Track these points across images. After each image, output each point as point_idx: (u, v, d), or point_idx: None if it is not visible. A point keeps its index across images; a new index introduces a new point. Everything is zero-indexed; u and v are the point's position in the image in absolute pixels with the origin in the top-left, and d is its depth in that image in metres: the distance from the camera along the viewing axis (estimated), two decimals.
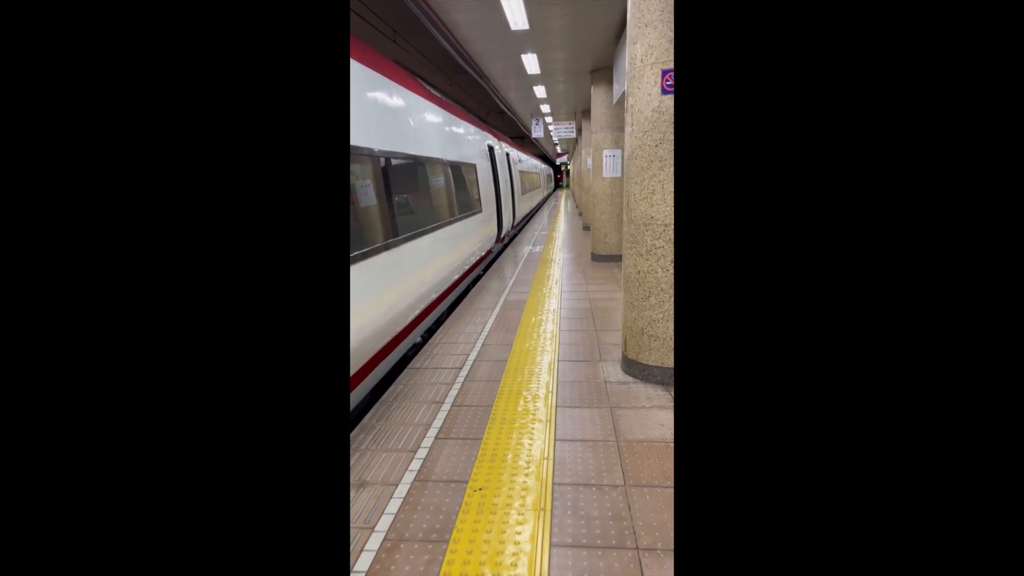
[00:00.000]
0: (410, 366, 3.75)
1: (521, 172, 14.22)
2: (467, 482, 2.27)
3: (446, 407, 3.04)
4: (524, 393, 3.18)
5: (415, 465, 2.43)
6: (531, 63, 6.93)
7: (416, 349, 5.03)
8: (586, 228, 12.18)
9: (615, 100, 6.93)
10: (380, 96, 3.81)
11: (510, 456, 2.46)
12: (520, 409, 2.96)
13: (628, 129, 3.23)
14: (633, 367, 3.36)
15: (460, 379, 3.46)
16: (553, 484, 2.23)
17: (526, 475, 2.30)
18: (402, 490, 2.24)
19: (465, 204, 6.48)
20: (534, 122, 13.37)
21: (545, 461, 2.41)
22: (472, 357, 3.88)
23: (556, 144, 25.54)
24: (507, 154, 11.11)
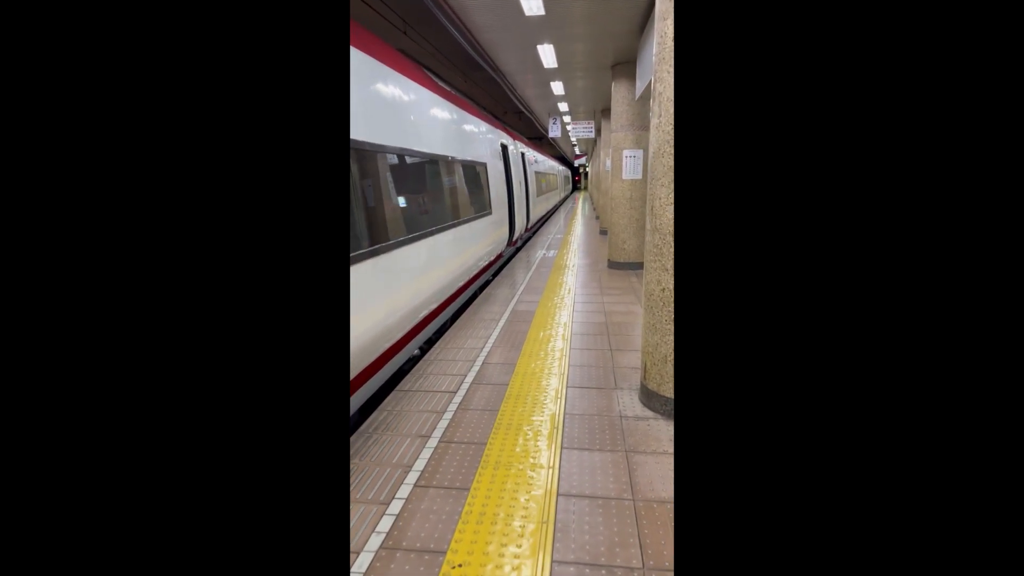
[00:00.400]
0: (399, 388, 3.32)
1: (537, 173, 13.78)
2: (445, 553, 1.82)
3: (433, 442, 2.60)
4: (525, 428, 2.72)
5: (385, 524, 1.99)
6: (548, 55, 6.48)
7: (413, 362, 4.61)
8: (603, 232, 11.67)
9: (638, 95, 6.44)
10: (375, 85, 3.40)
11: (501, 516, 2.01)
12: (519, 450, 2.50)
13: (655, 121, 2.75)
14: (653, 400, 2.89)
15: (453, 406, 3.02)
16: (552, 562, 1.77)
17: (519, 546, 1.84)
18: (363, 561, 1.80)
19: (473, 205, 6.05)
20: (551, 121, 12.90)
21: (544, 525, 1.95)
22: (470, 379, 3.43)
23: (575, 145, 25.03)
24: (522, 154, 10.66)
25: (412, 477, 2.30)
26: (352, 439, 2.68)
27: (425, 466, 2.39)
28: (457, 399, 3.12)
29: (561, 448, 2.51)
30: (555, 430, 2.69)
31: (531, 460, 2.41)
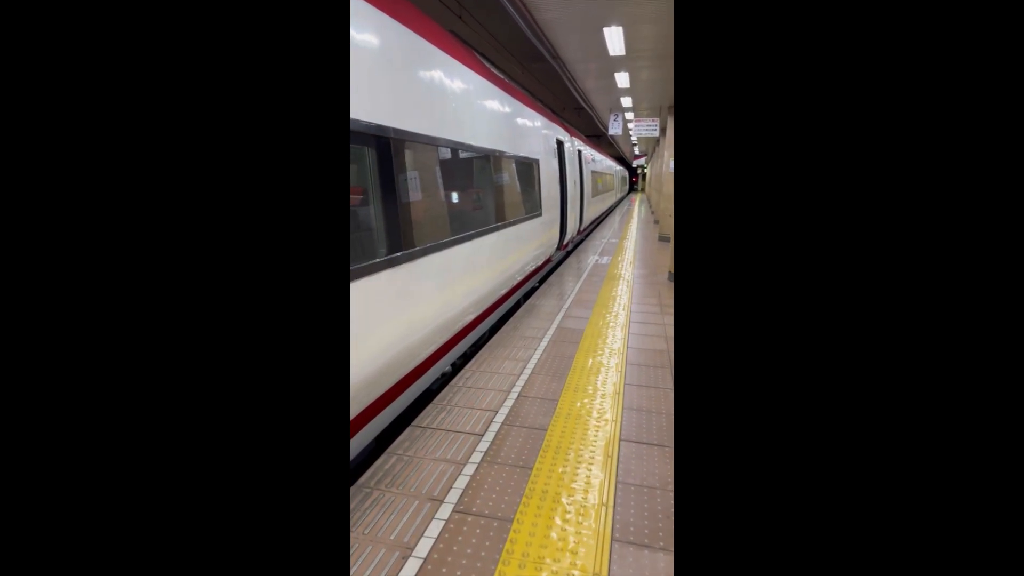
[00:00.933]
0: (415, 423, 2.78)
1: (593, 172, 13.04)
2: None
3: (445, 511, 2.04)
4: (564, 501, 2.10)
5: None
6: (615, 40, 5.77)
7: (446, 379, 4.09)
8: (663, 239, 10.79)
9: None
10: (398, 53, 2.87)
11: None
12: (555, 536, 1.89)
13: None
14: None
15: (477, 456, 2.44)
16: None
17: None
18: None
19: (522, 206, 5.46)
20: (612, 118, 12.10)
21: None
22: (501, 416, 2.85)
23: (635, 145, 23.94)
24: (579, 152, 9.98)
25: (411, 567, 1.74)
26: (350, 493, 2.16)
27: (430, 550, 1.82)
28: (483, 445, 2.54)
29: (611, 540, 1.88)
30: (604, 508, 2.06)
31: (569, 558, 1.79)
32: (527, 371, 3.51)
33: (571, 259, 8.50)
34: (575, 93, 9.85)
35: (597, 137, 26.93)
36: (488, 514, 2.02)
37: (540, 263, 6.74)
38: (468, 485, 2.21)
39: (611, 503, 2.09)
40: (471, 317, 4.05)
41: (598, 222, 15.62)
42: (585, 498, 2.12)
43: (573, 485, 2.21)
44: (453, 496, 2.14)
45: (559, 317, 4.86)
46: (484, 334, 4.90)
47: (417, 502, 2.10)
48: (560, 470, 2.33)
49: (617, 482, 2.24)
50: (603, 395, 3.12)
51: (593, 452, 2.48)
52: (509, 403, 3.02)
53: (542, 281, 7.78)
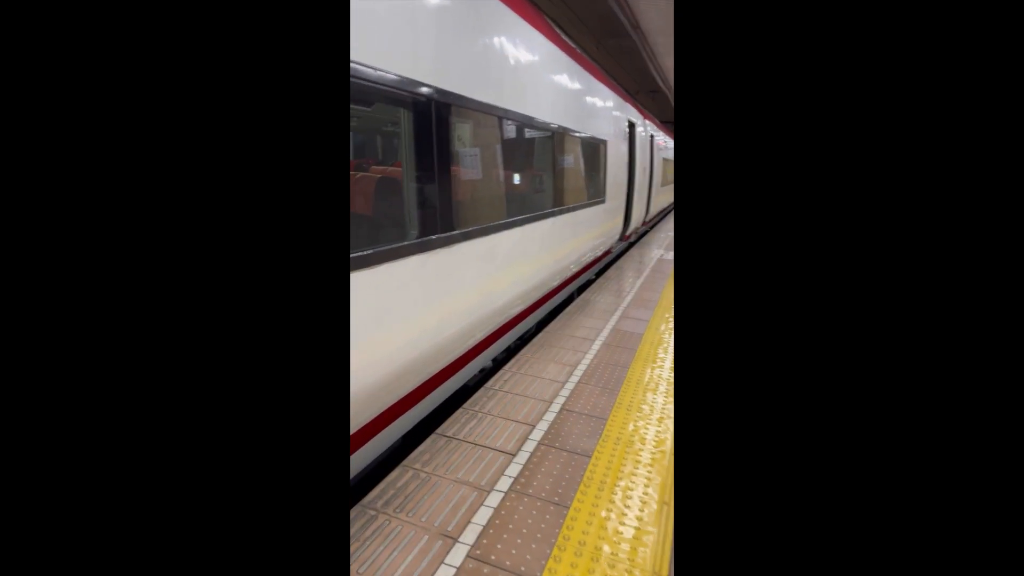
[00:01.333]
0: (439, 431, 2.44)
1: (665, 160, 12.18)
2: None
3: (458, 556, 1.68)
4: (605, 561, 1.68)
5: None
6: None
7: (484, 377, 3.74)
8: None
9: None
10: (462, 13, 2.46)
11: None
12: None
13: None
14: None
15: (505, 481, 2.07)
16: None
17: None
18: None
19: (584, 190, 4.97)
20: None
21: None
22: (539, 432, 2.46)
23: None
24: (651, 136, 9.24)
25: None
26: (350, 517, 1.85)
27: None
28: (514, 469, 2.16)
29: None
30: None
31: None
32: (574, 378, 3.09)
33: (633, 251, 7.90)
34: (653, 72, 9.09)
35: (672, 123, 25.51)
36: (509, 567, 1.64)
37: (599, 254, 6.22)
38: (490, 521, 1.84)
39: (666, 569, 1.65)
40: (517, 310, 3.65)
41: (665, 213, 14.71)
42: (633, 560, 1.69)
43: (617, 536, 1.79)
44: (470, 535, 1.77)
45: (615, 317, 4.37)
46: (531, 329, 4.50)
47: (427, 538, 1.75)
48: (603, 514, 1.90)
49: (674, 541, 1.79)
50: (661, 418, 2.65)
51: (646, 495, 2.03)
52: (550, 416, 2.62)
53: (599, 274, 7.26)
